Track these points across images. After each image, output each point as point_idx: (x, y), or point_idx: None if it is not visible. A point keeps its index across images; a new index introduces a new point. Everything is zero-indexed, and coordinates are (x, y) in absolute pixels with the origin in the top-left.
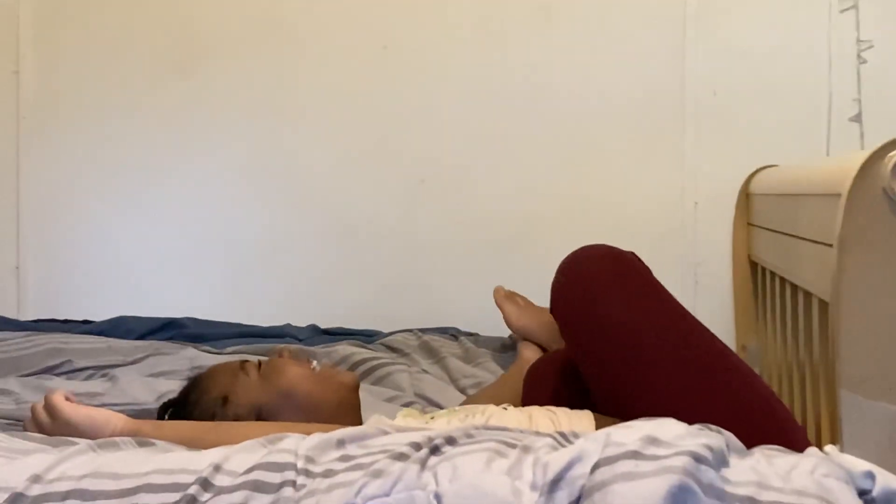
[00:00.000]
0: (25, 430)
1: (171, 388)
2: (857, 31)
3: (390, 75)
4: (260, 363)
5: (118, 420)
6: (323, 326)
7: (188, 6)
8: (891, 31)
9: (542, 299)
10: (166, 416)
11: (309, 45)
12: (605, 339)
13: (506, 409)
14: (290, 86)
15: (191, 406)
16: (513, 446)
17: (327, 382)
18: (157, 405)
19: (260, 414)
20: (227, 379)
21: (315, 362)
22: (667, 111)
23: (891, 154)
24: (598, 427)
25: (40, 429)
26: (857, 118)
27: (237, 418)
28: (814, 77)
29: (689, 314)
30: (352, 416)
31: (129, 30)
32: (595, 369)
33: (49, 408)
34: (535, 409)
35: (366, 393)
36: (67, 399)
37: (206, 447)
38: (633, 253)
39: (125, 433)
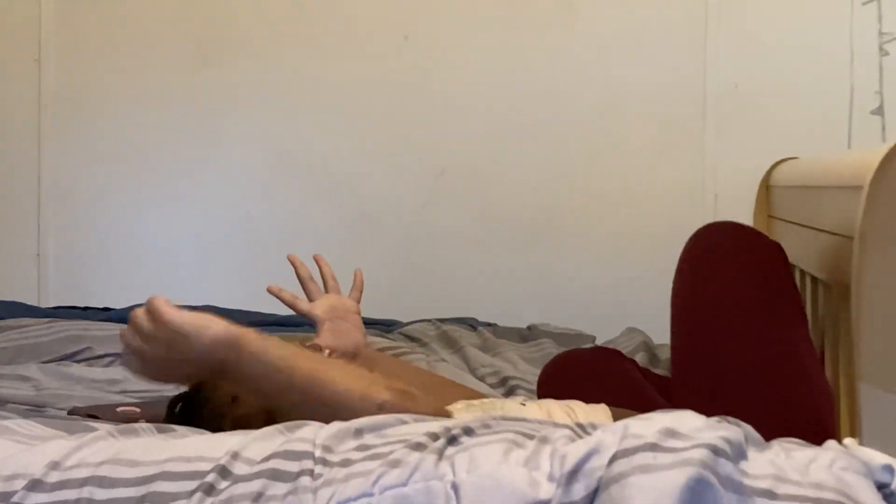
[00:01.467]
0: (122, 340)
1: None
2: (879, 23)
3: (411, 66)
4: None
5: (218, 326)
6: None
7: None
8: None
9: (561, 290)
10: (176, 411)
11: (331, 35)
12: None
13: (523, 404)
14: (310, 76)
15: (201, 402)
16: (530, 437)
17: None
18: (176, 392)
19: (270, 413)
20: None
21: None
22: (688, 104)
23: None
24: (615, 420)
25: (141, 336)
26: (879, 111)
27: (248, 417)
28: (835, 70)
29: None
30: None
31: (151, 18)
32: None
33: (152, 311)
34: (551, 403)
35: None
36: None
37: (298, 376)
38: (777, 246)
39: (228, 339)
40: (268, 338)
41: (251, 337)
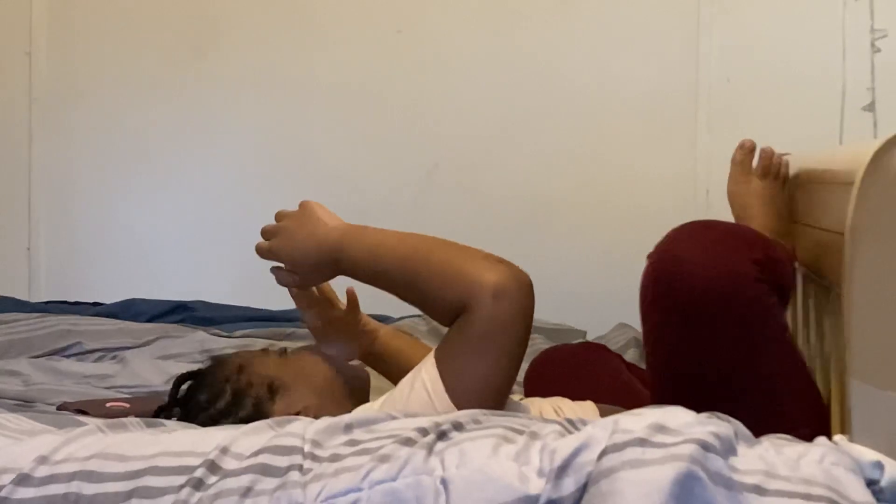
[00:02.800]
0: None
1: (181, 370)
2: (871, 20)
3: (405, 59)
4: (284, 350)
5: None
6: None
7: None
8: None
9: (553, 285)
10: (182, 388)
11: (324, 29)
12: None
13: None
14: (304, 69)
15: (208, 377)
16: (520, 432)
17: (345, 372)
18: (166, 388)
19: (272, 385)
20: (247, 355)
21: (335, 355)
22: (680, 99)
23: None
24: (602, 416)
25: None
26: (871, 107)
27: (249, 384)
28: (827, 66)
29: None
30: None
31: (143, 11)
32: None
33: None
34: (539, 401)
35: (375, 376)
36: None
37: (393, 257)
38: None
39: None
40: (361, 233)
41: (348, 240)
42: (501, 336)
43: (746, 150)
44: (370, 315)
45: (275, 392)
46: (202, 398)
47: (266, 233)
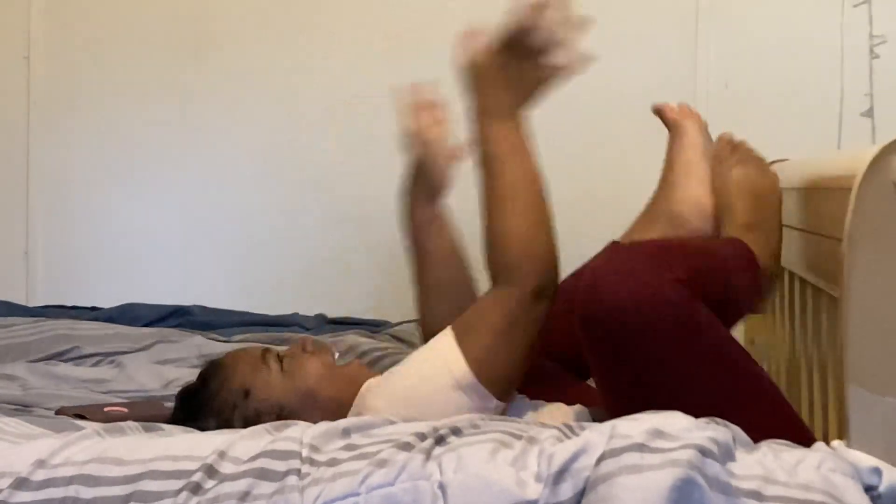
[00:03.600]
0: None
1: (179, 375)
2: (869, 25)
3: (401, 63)
4: (280, 355)
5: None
6: (330, 316)
7: None
8: None
9: None
10: (184, 405)
11: (321, 33)
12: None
13: None
14: (301, 73)
15: (210, 395)
16: (518, 437)
17: (351, 381)
18: (164, 392)
19: (281, 413)
20: (249, 371)
21: (337, 354)
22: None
23: None
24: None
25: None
26: (869, 113)
27: (258, 414)
28: (826, 71)
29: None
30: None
31: (140, 15)
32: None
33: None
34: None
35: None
36: None
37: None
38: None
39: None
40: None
41: (503, 119)
42: (527, 331)
43: (723, 142)
44: (370, 319)
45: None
46: (211, 425)
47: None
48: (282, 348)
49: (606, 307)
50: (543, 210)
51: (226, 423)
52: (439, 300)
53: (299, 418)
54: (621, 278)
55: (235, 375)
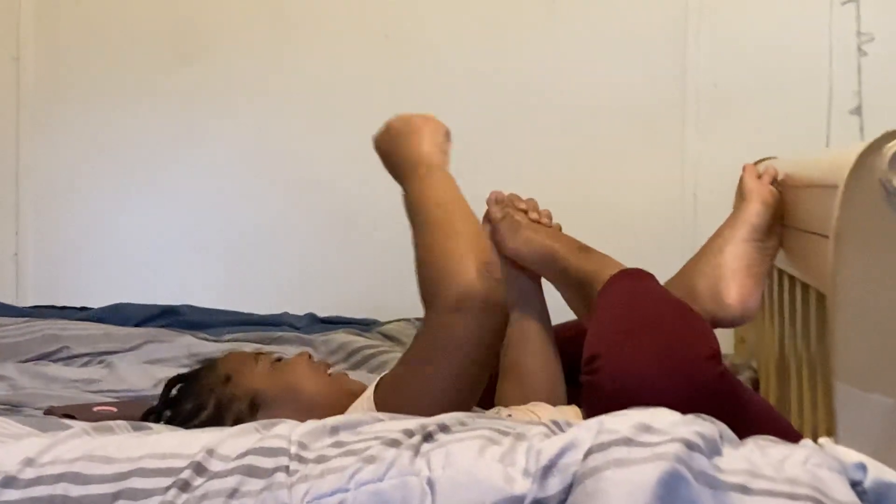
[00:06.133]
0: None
1: (168, 375)
2: (857, 23)
3: (391, 64)
4: (279, 358)
5: (425, 148)
6: (320, 315)
7: None
8: (891, 24)
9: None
10: (173, 392)
11: (311, 33)
12: None
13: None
14: (291, 73)
15: (197, 381)
16: (506, 434)
17: (335, 388)
18: (154, 392)
19: (254, 400)
20: (238, 362)
21: (332, 369)
22: (668, 103)
23: (889, 145)
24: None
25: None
26: (858, 111)
27: (232, 398)
28: (814, 69)
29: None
30: None
31: (131, 17)
32: None
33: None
34: (513, 409)
35: (364, 381)
36: None
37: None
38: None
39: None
40: (439, 179)
41: (427, 170)
42: (454, 349)
43: None
44: (359, 318)
45: (256, 408)
46: (187, 407)
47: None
48: (278, 353)
49: (633, 385)
50: (465, 236)
51: (199, 407)
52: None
53: (271, 409)
54: (653, 371)
55: (223, 365)
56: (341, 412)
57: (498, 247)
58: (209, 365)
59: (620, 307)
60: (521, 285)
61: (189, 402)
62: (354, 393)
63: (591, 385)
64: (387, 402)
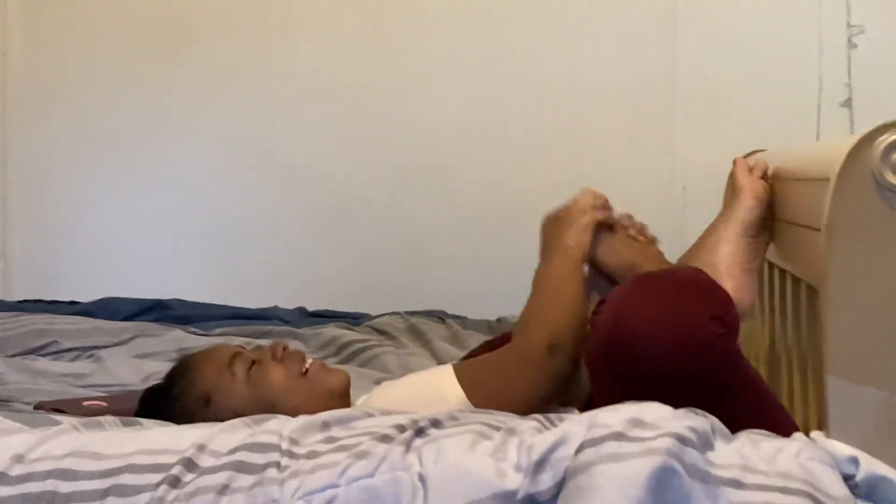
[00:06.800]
0: None
1: (158, 369)
2: (847, 15)
3: (379, 57)
4: (250, 362)
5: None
6: (310, 308)
7: None
8: (881, 16)
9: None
10: (149, 404)
11: (298, 26)
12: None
13: None
14: (278, 66)
15: (174, 398)
16: (497, 429)
17: (315, 392)
18: (143, 386)
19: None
20: (214, 375)
21: (310, 360)
22: (657, 95)
23: (880, 139)
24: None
25: None
26: (848, 103)
27: (217, 420)
28: (804, 62)
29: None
30: None
31: (118, 9)
32: None
33: None
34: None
35: (354, 375)
36: None
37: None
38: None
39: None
40: (568, 265)
41: (563, 257)
42: (530, 387)
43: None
44: (350, 311)
45: None
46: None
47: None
48: (255, 348)
49: (648, 351)
50: (568, 299)
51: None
52: None
53: None
54: (654, 315)
55: (199, 380)
56: (333, 401)
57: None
58: (185, 379)
59: (647, 273)
60: (601, 291)
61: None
62: (333, 392)
63: (593, 326)
64: (476, 396)
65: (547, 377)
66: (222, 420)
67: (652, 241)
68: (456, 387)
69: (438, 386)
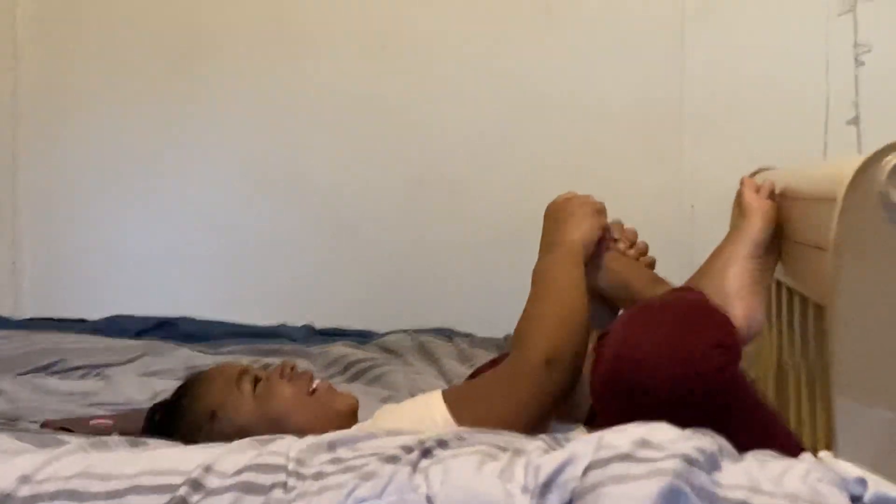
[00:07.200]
0: None
1: (166, 387)
2: (854, 34)
3: (391, 73)
4: (257, 379)
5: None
6: (318, 326)
7: (190, 2)
8: (888, 35)
9: None
10: (156, 419)
11: (310, 44)
12: None
13: None
14: (290, 84)
15: (180, 413)
16: (504, 449)
17: (322, 412)
18: (150, 404)
19: (243, 437)
20: (221, 391)
21: (317, 381)
22: (665, 113)
23: (887, 159)
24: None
25: None
26: (855, 121)
27: (224, 437)
28: (811, 80)
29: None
30: None
31: (130, 25)
32: None
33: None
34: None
35: (360, 394)
36: None
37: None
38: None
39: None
40: (569, 263)
41: (563, 252)
42: (529, 401)
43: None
44: (358, 329)
45: None
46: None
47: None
48: (262, 368)
49: (652, 383)
50: (570, 308)
51: (192, 441)
52: None
53: None
54: (656, 349)
55: (206, 396)
56: (341, 421)
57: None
58: (192, 394)
59: (649, 302)
60: (596, 312)
61: (177, 435)
62: (340, 413)
63: (597, 358)
64: (462, 416)
65: (545, 392)
66: (227, 435)
67: (643, 254)
68: (442, 407)
69: (428, 408)
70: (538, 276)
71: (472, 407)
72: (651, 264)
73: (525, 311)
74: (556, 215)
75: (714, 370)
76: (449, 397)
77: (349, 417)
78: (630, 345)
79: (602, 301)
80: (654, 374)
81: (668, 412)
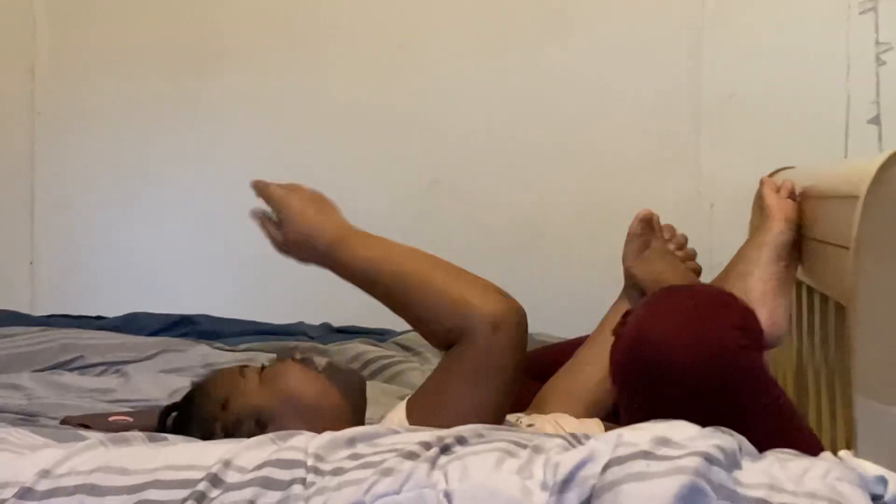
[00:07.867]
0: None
1: (183, 384)
2: (875, 33)
3: (405, 76)
4: (263, 367)
5: (328, 233)
6: (336, 324)
7: (204, 6)
8: None
9: (552, 305)
10: (168, 422)
11: (324, 45)
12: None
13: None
14: (304, 85)
15: (193, 411)
16: (524, 446)
17: (331, 387)
18: (169, 402)
19: (259, 418)
20: (228, 383)
21: (324, 361)
22: (684, 113)
23: None
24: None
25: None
26: (876, 120)
27: (238, 422)
28: (832, 79)
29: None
30: (354, 420)
31: (145, 28)
32: None
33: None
34: (537, 418)
35: (378, 391)
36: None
37: (392, 269)
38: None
39: (332, 243)
40: (364, 239)
41: (347, 242)
42: (498, 369)
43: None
44: (375, 328)
45: (264, 426)
46: (194, 437)
47: (277, 186)
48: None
49: (671, 365)
50: (445, 269)
51: (209, 435)
52: None
53: (278, 423)
54: (684, 331)
55: (215, 390)
56: (346, 411)
57: (623, 260)
58: (200, 392)
59: (673, 286)
60: (632, 300)
61: (194, 434)
62: (349, 385)
63: (617, 338)
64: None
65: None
66: (244, 419)
67: (690, 258)
68: (401, 410)
69: (395, 416)
70: (379, 268)
71: (422, 400)
72: (697, 271)
73: (421, 301)
74: (293, 220)
75: (735, 348)
76: (410, 399)
77: (358, 393)
78: (652, 322)
79: (641, 295)
80: (676, 350)
81: (686, 390)
